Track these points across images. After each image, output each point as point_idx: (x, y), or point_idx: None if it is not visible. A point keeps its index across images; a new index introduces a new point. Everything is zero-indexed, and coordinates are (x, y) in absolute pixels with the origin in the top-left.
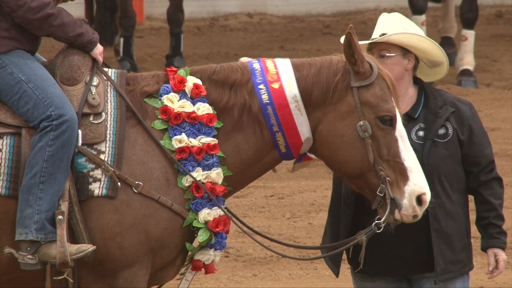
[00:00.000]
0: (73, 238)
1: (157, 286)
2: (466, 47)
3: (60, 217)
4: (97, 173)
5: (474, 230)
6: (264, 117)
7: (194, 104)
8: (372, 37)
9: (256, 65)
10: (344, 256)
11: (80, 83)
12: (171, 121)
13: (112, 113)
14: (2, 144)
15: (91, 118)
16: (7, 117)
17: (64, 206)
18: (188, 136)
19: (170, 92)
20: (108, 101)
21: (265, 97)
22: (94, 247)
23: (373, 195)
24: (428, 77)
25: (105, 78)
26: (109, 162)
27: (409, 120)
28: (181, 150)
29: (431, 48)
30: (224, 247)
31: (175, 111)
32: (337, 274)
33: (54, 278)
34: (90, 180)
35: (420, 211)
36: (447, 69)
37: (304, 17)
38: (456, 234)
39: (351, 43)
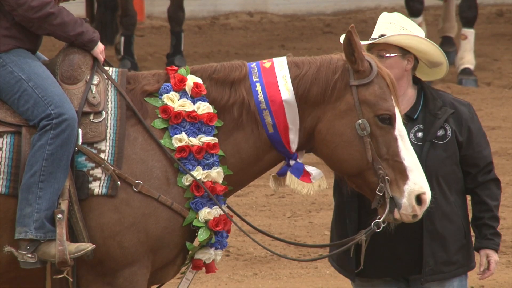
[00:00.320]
0: (73, 237)
1: (157, 285)
2: (466, 46)
3: (59, 216)
4: (97, 172)
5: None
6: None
7: (194, 103)
8: (372, 37)
9: (253, 64)
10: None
11: (81, 82)
12: (171, 120)
13: (112, 112)
14: (2, 143)
15: (91, 117)
16: (7, 116)
17: (64, 205)
18: (188, 135)
19: (170, 91)
20: (109, 100)
21: (256, 77)
22: (94, 246)
23: (372, 194)
24: (428, 77)
25: (105, 77)
26: (109, 161)
27: (408, 121)
28: (181, 149)
29: (430, 49)
30: (225, 246)
31: (175, 110)
32: (353, 279)
33: (54, 277)
34: (90, 179)
35: (420, 211)
36: (447, 70)
37: (305, 16)
38: (452, 236)
39: (351, 41)
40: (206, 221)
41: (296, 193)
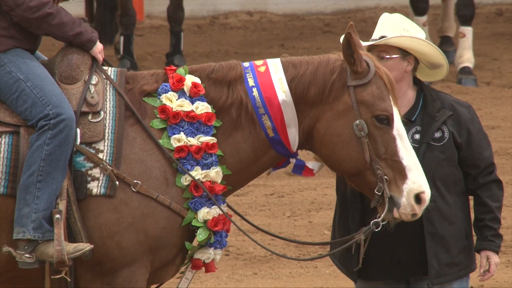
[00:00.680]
0: (71, 237)
1: (156, 285)
2: (464, 44)
3: (57, 216)
4: (96, 172)
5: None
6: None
7: (193, 103)
8: (373, 37)
9: (248, 68)
10: None
11: (79, 81)
12: (170, 120)
13: (111, 111)
14: (0, 143)
15: (89, 117)
16: (6, 116)
17: (62, 205)
18: (186, 135)
19: (169, 91)
20: (107, 99)
21: (252, 82)
22: (92, 246)
23: (372, 193)
24: (428, 78)
25: (104, 76)
26: (107, 161)
27: (406, 123)
28: (180, 149)
29: (431, 51)
30: (224, 246)
31: (174, 110)
32: (355, 280)
33: (52, 277)
34: (89, 179)
35: (419, 210)
36: (447, 71)
37: (305, 15)
38: (453, 237)
39: (350, 43)
40: (205, 221)
41: (296, 192)
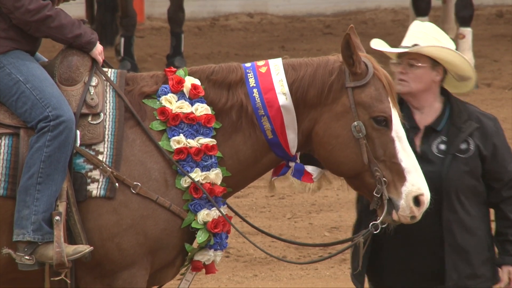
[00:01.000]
0: (71, 239)
1: (156, 287)
2: (464, 45)
3: (57, 218)
4: (95, 173)
5: None
6: (252, 105)
7: (192, 104)
8: (403, 44)
9: (249, 68)
10: (345, 256)
11: (79, 83)
12: (169, 122)
13: (110, 113)
14: (0, 145)
15: (89, 119)
16: (6, 118)
17: (62, 207)
18: (186, 137)
19: (168, 93)
20: (107, 101)
21: (253, 83)
22: (91, 248)
23: (370, 195)
24: (455, 89)
25: (104, 78)
26: (107, 163)
27: (431, 132)
28: (179, 151)
29: (461, 63)
30: (225, 247)
31: (173, 112)
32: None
33: (52, 279)
34: (88, 180)
35: (418, 212)
36: (475, 84)
37: (305, 17)
38: (474, 249)
39: (350, 44)
40: (205, 223)
41: (296, 194)
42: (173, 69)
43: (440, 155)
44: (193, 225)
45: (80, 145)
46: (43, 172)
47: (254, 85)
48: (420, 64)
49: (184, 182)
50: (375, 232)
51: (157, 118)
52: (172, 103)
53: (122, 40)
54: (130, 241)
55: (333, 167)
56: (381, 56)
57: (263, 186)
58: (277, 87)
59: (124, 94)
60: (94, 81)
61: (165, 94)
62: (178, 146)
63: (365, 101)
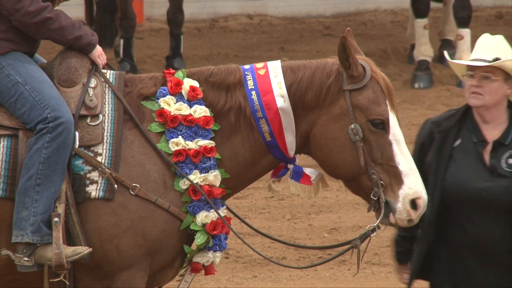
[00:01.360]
0: (70, 240)
1: None
2: (463, 46)
3: (56, 219)
4: (94, 175)
5: None
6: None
7: (191, 106)
8: (476, 57)
9: (248, 70)
10: (345, 257)
11: (78, 85)
12: (168, 124)
13: (109, 115)
14: None
15: (88, 120)
16: (4, 119)
17: (61, 208)
18: (185, 139)
19: (167, 94)
20: (106, 102)
21: (251, 85)
22: (90, 249)
23: (367, 198)
24: None
25: (103, 80)
26: (106, 164)
27: (499, 146)
28: (178, 153)
29: None
30: (224, 248)
31: (172, 114)
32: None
33: (51, 280)
34: (87, 182)
35: (415, 215)
36: None
37: (304, 18)
38: None
39: (346, 47)
40: (204, 225)
41: (296, 195)
42: (172, 70)
43: (510, 170)
44: (192, 227)
45: (79, 146)
46: (42, 174)
47: (253, 87)
48: (495, 78)
49: (183, 184)
50: (372, 235)
51: (155, 120)
52: (171, 105)
53: (122, 41)
54: (129, 242)
55: (330, 170)
56: (380, 58)
57: (262, 188)
58: (276, 89)
59: (122, 96)
60: (93, 83)
61: (164, 96)
62: (176, 148)
63: (363, 104)
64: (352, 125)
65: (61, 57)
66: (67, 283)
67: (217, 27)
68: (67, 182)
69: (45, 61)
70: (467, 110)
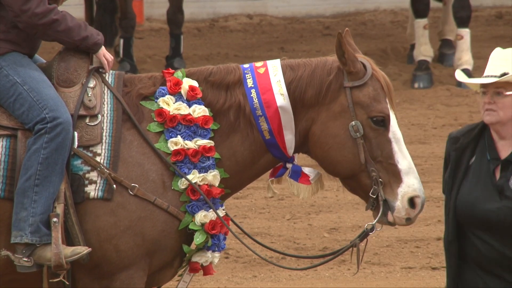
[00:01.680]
0: (69, 240)
1: None
2: (463, 46)
3: (55, 219)
4: (93, 175)
5: None
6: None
7: (190, 106)
8: (488, 73)
9: (247, 69)
10: (344, 257)
11: (77, 85)
12: (167, 123)
13: (108, 115)
14: None
15: (87, 120)
16: (3, 119)
17: (60, 209)
18: (184, 138)
19: (166, 94)
20: (105, 103)
21: (251, 83)
22: (89, 249)
23: (366, 196)
24: None
25: (102, 80)
26: (105, 164)
27: (509, 165)
28: (177, 152)
29: None
30: (223, 248)
31: (171, 113)
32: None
33: (50, 280)
34: (86, 182)
35: (413, 214)
36: None
37: (304, 18)
38: None
39: (341, 44)
40: (203, 224)
41: (296, 195)
42: (171, 70)
43: None
44: (191, 226)
45: (78, 146)
46: (41, 174)
47: (252, 85)
48: (508, 93)
49: (182, 184)
50: (370, 233)
51: (154, 119)
52: (170, 104)
53: (122, 41)
54: (128, 242)
55: (329, 167)
56: (380, 58)
57: (262, 187)
58: (275, 87)
59: (121, 96)
60: (92, 83)
61: (163, 95)
62: (175, 147)
63: (363, 101)
64: (353, 122)
65: (60, 57)
66: (67, 283)
67: (217, 27)
68: (65, 182)
69: (44, 61)
70: (485, 125)
